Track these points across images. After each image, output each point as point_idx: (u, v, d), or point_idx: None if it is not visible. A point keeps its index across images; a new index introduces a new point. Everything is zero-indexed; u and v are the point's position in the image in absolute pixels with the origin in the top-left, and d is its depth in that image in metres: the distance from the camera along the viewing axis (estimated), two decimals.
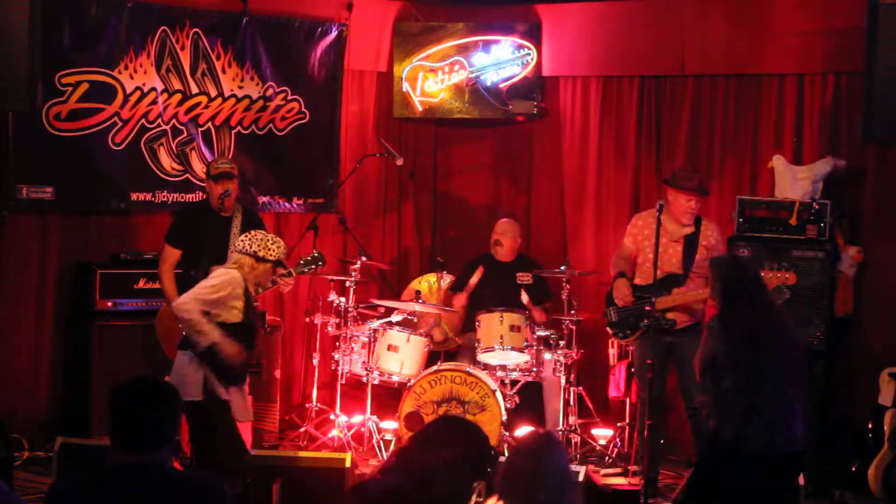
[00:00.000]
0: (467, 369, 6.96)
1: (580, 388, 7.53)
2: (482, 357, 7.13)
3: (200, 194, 7.31)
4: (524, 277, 7.53)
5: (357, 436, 7.39)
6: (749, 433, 4.84)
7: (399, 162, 8.18)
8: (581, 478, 5.64)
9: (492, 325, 7.15)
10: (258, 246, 5.50)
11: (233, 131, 7.82)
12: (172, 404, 3.55)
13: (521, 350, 7.11)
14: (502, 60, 8.45)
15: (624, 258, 7.05)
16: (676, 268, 6.74)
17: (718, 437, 4.93)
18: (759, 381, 4.87)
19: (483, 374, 6.97)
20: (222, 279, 5.44)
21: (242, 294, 5.46)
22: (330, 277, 7.73)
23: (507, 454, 3.63)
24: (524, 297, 7.52)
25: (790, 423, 4.89)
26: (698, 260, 6.68)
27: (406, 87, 8.50)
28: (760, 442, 4.83)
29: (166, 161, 7.54)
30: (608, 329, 7.11)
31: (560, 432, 7.05)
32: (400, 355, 7.19)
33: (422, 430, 3.54)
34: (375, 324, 7.37)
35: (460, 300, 7.71)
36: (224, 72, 7.72)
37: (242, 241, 5.53)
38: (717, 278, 5.19)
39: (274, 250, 5.53)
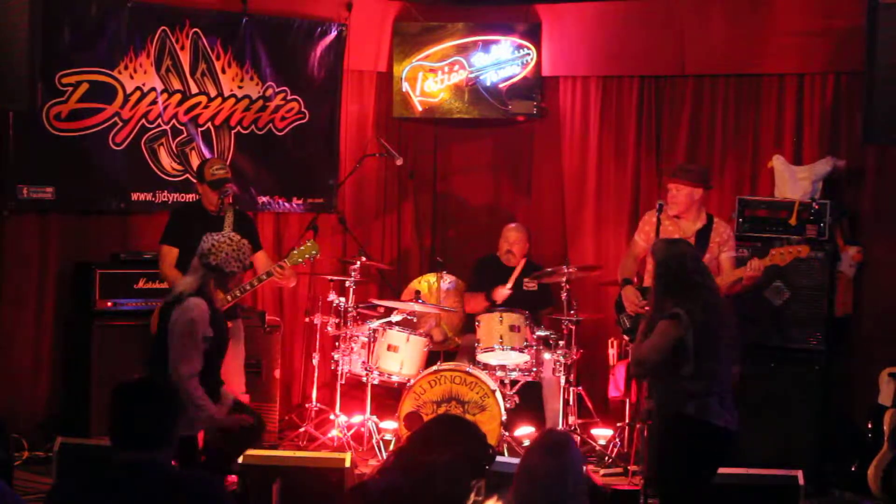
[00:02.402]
0: (467, 369, 6.96)
1: (580, 388, 7.53)
2: (482, 357, 7.13)
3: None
4: (530, 284, 7.53)
5: (357, 436, 7.39)
6: (711, 411, 4.96)
7: (399, 162, 8.18)
8: None
9: (491, 325, 7.15)
10: (219, 260, 5.33)
11: (232, 131, 7.82)
12: (173, 404, 3.56)
13: (520, 350, 7.10)
14: (502, 60, 8.45)
15: (633, 258, 7.03)
16: None
17: (683, 413, 5.02)
18: (717, 366, 5.01)
19: (483, 374, 6.97)
20: (189, 327, 5.21)
21: (209, 318, 5.31)
22: (330, 277, 7.73)
23: (521, 454, 3.60)
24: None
25: (734, 400, 5.05)
26: (707, 258, 6.68)
27: (406, 87, 8.50)
28: (720, 419, 4.97)
29: (166, 161, 7.54)
30: (624, 336, 7.10)
31: None
32: (400, 355, 7.19)
33: (420, 430, 3.53)
34: (375, 324, 7.37)
35: (480, 301, 7.68)
36: (224, 72, 7.72)
37: (206, 254, 5.33)
38: (666, 269, 5.17)
39: (234, 264, 5.37)
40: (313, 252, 6.78)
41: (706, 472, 5.06)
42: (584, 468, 3.71)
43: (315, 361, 7.65)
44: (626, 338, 7.13)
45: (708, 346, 4.98)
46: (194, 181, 7.17)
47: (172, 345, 5.25)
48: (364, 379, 7.28)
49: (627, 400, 7.40)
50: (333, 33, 8.18)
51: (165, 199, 7.54)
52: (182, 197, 7.57)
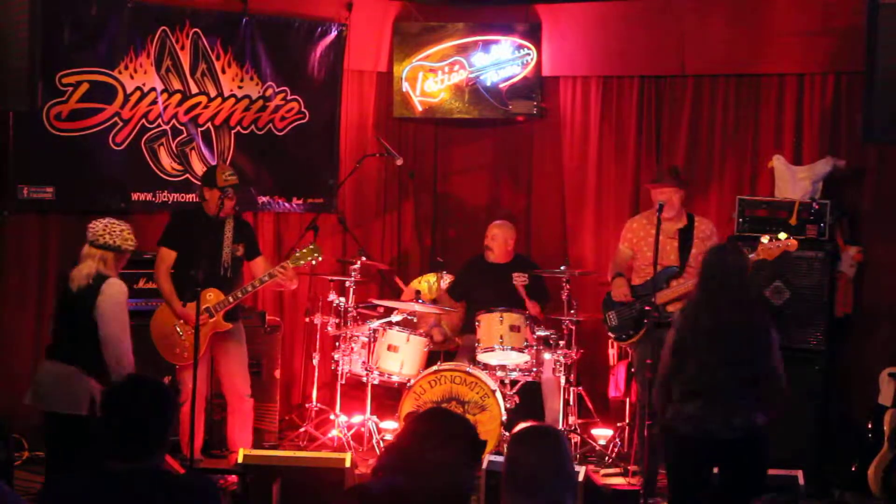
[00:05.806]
0: (467, 369, 6.96)
1: (580, 388, 7.53)
2: (482, 357, 7.13)
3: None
4: (520, 279, 7.54)
5: (357, 436, 7.40)
6: (683, 416, 4.95)
7: (399, 162, 8.18)
8: (581, 478, 5.66)
9: (492, 325, 7.15)
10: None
11: (232, 131, 7.82)
12: (166, 406, 3.47)
13: (520, 350, 7.10)
14: (502, 60, 8.45)
15: (619, 264, 7.10)
16: (674, 262, 6.81)
17: (663, 416, 5.09)
18: (705, 371, 4.95)
19: (483, 374, 6.97)
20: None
21: None
22: (330, 277, 7.73)
23: (506, 450, 3.56)
24: (520, 289, 7.48)
25: (735, 411, 4.92)
26: (694, 253, 6.72)
27: (406, 87, 8.50)
28: (688, 426, 4.93)
29: (166, 161, 7.54)
30: (610, 333, 7.15)
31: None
32: (400, 355, 7.19)
33: (411, 428, 3.46)
34: (375, 324, 7.37)
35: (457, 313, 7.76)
36: (224, 72, 7.72)
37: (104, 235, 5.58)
38: (701, 264, 5.27)
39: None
40: (315, 254, 6.78)
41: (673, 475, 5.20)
42: (570, 460, 3.62)
43: (315, 361, 7.65)
44: (612, 335, 7.17)
45: (699, 350, 5.11)
46: (198, 183, 7.13)
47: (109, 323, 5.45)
48: (364, 379, 7.29)
49: (627, 400, 7.41)
50: (333, 33, 8.18)
51: (165, 199, 7.54)
52: (182, 197, 7.57)
